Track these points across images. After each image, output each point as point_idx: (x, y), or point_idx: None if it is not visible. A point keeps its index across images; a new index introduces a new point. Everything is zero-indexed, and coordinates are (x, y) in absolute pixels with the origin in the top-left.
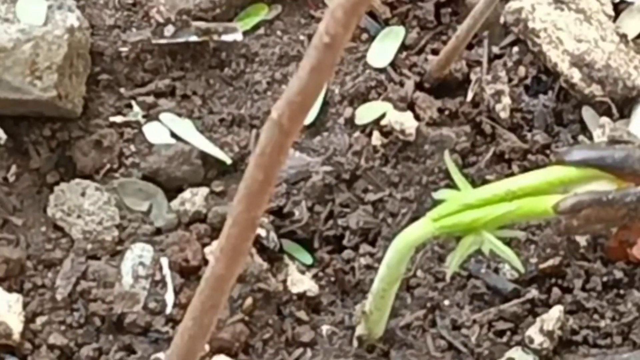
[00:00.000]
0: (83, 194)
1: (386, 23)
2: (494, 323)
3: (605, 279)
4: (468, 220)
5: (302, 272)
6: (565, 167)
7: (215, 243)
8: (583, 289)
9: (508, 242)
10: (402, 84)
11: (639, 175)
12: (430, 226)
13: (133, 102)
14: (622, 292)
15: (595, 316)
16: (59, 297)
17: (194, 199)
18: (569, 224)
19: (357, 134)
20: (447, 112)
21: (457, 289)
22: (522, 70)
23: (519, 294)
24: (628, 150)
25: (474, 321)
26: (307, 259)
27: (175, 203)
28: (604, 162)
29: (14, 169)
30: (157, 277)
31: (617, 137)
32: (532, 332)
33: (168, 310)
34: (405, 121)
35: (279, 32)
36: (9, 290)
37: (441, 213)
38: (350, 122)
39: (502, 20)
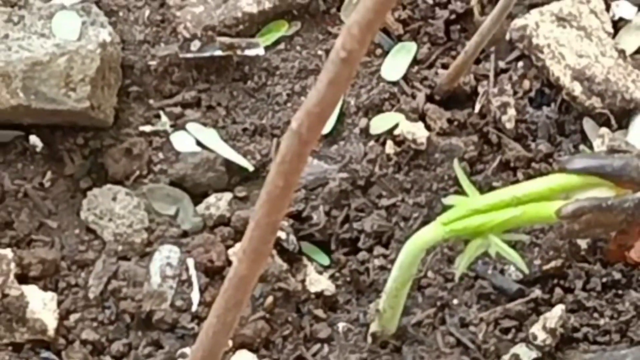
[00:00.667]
0: (114, 199)
1: (399, 39)
2: (499, 321)
3: (604, 279)
4: (476, 224)
5: (320, 273)
6: (567, 174)
7: (238, 245)
8: (583, 289)
9: (513, 245)
10: (414, 96)
11: (636, 183)
12: (440, 230)
13: (161, 113)
14: (620, 292)
15: (595, 315)
16: (91, 295)
17: (218, 203)
18: (571, 228)
19: (371, 143)
20: (456, 123)
21: (465, 289)
22: (526, 84)
23: (523, 293)
24: (626, 159)
25: (481, 319)
26: (325, 260)
27: (200, 207)
28: (604, 170)
29: (49, 175)
30: (184, 277)
31: (616, 147)
32: (536, 329)
33: (194, 308)
34: (416, 131)
35: (298, 48)
36: (44, 289)
37: (450, 217)
38: (365, 131)
39: (507, 36)
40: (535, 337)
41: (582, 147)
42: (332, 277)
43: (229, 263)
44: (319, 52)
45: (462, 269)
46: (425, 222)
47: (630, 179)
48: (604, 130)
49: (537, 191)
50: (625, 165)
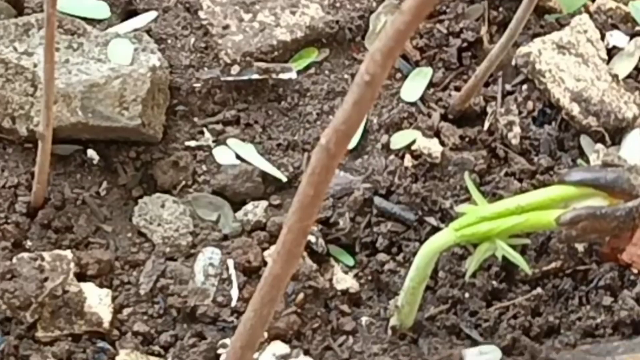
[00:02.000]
0: (162, 206)
1: (416, 64)
2: (503, 315)
3: (599, 279)
4: (484, 230)
5: (345, 272)
6: (565, 186)
7: (273, 247)
8: (581, 287)
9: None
10: (429, 115)
11: (626, 193)
12: (452, 235)
13: (204, 130)
14: (614, 291)
15: (592, 312)
16: (142, 292)
17: (255, 210)
18: (569, 234)
19: (391, 157)
20: (467, 139)
21: (474, 287)
22: (530, 105)
23: (526, 291)
24: (618, 173)
25: (489, 313)
26: (349, 261)
27: (239, 214)
28: (598, 182)
29: (104, 184)
30: (224, 276)
31: (609, 161)
32: (538, 323)
33: (233, 303)
34: (432, 146)
35: (326, 72)
36: (100, 286)
37: (461, 224)
38: (386, 147)
39: (513, 62)
40: (538, 330)
41: (579, 161)
42: (356, 276)
43: (265, 263)
44: (345, 76)
45: (472, 270)
46: (438, 228)
47: (621, 190)
48: (599, 146)
49: (539, 201)
50: (617, 177)
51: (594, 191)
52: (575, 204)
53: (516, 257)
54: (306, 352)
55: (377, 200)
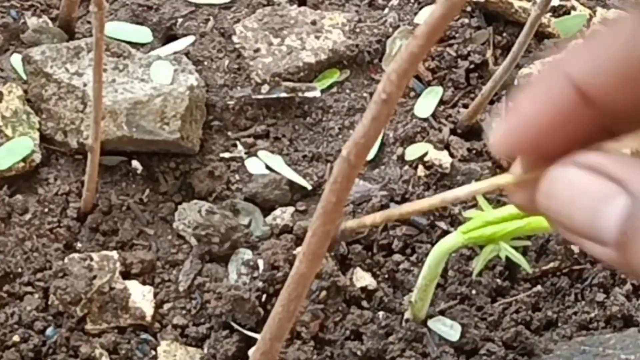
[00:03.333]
0: (199, 212)
1: (428, 84)
2: (507, 310)
3: (593, 278)
4: (489, 233)
5: (364, 271)
6: None
7: (299, 249)
8: (576, 285)
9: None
10: (440, 130)
11: None
12: (460, 237)
13: (237, 143)
14: (606, 288)
15: (586, 307)
16: (180, 289)
17: (283, 215)
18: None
19: (406, 167)
20: (474, 152)
21: (480, 284)
22: None
23: (527, 288)
24: None
25: (494, 308)
26: (368, 261)
27: (269, 219)
28: None
29: (147, 192)
30: (255, 275)
31: None
32: (538, 317)
33: (263, 299)
34: (442, 158)
35: (347, 91)
36: (143, 283)
37: (469, 227)
38: (401, 158)
39: (516, 82)
40: (538, 323)
41: None
42: (374, 274)
43: (291, 263)
44: (364, 95)
45: (479, 269)
46: (448, 231)
47: None
48: None
49: None
50: None
51: None
52: None
53: (518, 258)
54: (328, 343)
55: (393, 206)
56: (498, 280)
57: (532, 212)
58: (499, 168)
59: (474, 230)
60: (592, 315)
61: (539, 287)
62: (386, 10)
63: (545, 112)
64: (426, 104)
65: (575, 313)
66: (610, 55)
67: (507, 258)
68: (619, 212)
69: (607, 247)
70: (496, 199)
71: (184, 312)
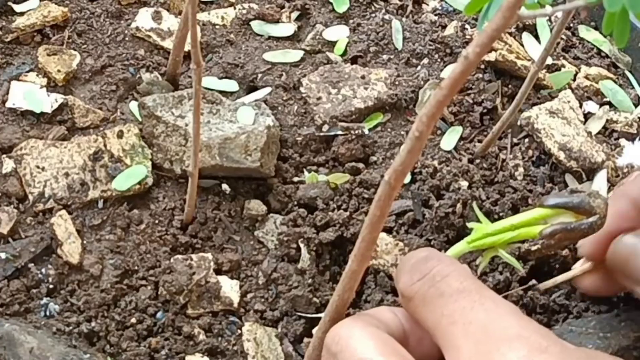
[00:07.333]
0: (275, 223)
1: (451, 124)
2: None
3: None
4: (489, 242)
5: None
6: (544, 208)
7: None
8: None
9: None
10: (460, 160)
11: (588, 212)
12: (466, 246)
13: (304, 169)
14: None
15: (573, 297)
16: (260, 282)
17: None
18: (549, 243)
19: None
20: (485, 178)
21: (483, 281)
22: (530, 152)
23: (522, 284)
24: (581, 197)
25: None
26: None
27: None
28: (567, 205)
29: (234, 208)
30: (316, 271)
31: (575, 189)
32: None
33: (325, 290)
34: (461, 182)
35: (389, 129)
36: (231, 278)
37: (473, 238)
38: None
39: (519, 123)
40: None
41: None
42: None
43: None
44: (402, 132)
45: (481, 270)
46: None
47: (584, 210)
48: (577, 182)
49: (526, 220)
50: (581, 201)
51: (565, 211)
52: (552, 221)
53: (512, 261)
54: None
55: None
56: (498, 277)
57: (593, 293)
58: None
59: (477, 240)
60: (576, 303)
61: (532, 282)
62: (419, 67)
63: (615, 225)
64: (449, 139)
65: (566, 304)
66: None
67: (504, 262)
68: None
69: None
70: (501, 212)
71: (262, 300)
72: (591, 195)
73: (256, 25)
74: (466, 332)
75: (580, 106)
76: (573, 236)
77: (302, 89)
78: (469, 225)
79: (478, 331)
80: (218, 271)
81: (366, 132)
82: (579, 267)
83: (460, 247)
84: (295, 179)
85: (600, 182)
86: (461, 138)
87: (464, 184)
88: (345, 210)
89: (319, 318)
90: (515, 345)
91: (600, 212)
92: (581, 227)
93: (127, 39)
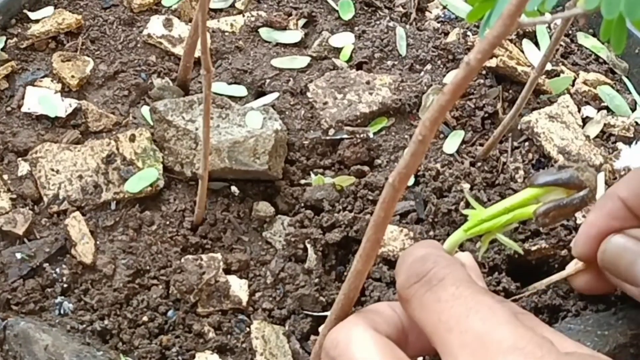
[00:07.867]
0: (282, 224)
1: (454, 128)
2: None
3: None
4: (485, 228)
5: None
6: (534, 188)
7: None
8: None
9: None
10: (462, 163)
11: (577, 186)
12: (463, 234)
13: (311, 172)
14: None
15: (571, 293)
16: (268, 281)
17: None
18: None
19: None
20: (486, 180)
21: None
22: (530, 155)
23: (523, 285)
24: (570, 172)
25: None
26: None
27: None
28: (557, 181)
29: (243, 209)
30: (323, 271)
31: (562, 164)
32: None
33: (330, 289)
34: (463, 185)
35: (393, 133)
36: (240, 277)
37: (469, 226)
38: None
39: (519, 127)
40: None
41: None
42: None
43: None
44: (406, 136)
45: (481, 254)
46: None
47: (574, 184)
48: None
49: (519, 201)
50: (569, 176)
51: (556, 188)
52: (544, 200)
53: (509, 242)
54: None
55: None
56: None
57: (587, 291)
58: (508, 190)
59: (473, 227)
60: (572, 297)
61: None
62: (422, 73)
63: (605, 224)
64: (452, 143)
65: (561, 295)
66: None
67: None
68: None
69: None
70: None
71: (270, 299)
72: (579, 169)
73: (264, 32)
74: (462, 342)
75: (579, 111)
76: (567, 212)
77: (308, 94)
78: (463, 212)
79: (474, 342)
80: (227, 271)
81: (371, 135)
82: (572, 267)
83: (458, 236)
84: (302, 182)
85: (598, 184)
86: (463, 142)
87: (466, 186)
88: (351, 211)
89: (325, 316)
90: (510, 358)
91: (590, 184)
92: (573, 202)
93: (139, 45)
